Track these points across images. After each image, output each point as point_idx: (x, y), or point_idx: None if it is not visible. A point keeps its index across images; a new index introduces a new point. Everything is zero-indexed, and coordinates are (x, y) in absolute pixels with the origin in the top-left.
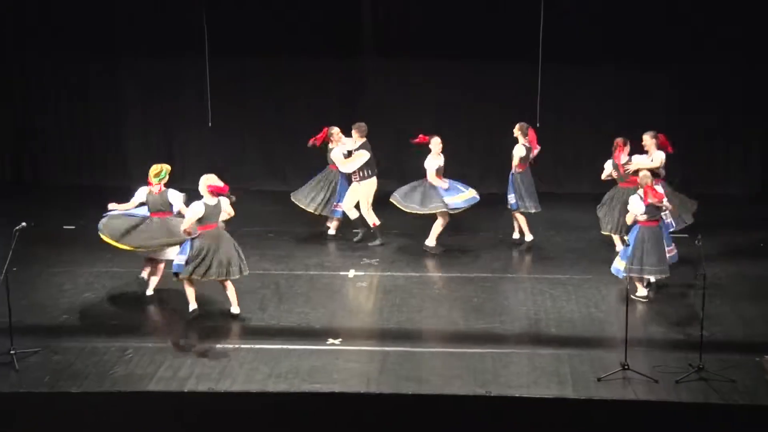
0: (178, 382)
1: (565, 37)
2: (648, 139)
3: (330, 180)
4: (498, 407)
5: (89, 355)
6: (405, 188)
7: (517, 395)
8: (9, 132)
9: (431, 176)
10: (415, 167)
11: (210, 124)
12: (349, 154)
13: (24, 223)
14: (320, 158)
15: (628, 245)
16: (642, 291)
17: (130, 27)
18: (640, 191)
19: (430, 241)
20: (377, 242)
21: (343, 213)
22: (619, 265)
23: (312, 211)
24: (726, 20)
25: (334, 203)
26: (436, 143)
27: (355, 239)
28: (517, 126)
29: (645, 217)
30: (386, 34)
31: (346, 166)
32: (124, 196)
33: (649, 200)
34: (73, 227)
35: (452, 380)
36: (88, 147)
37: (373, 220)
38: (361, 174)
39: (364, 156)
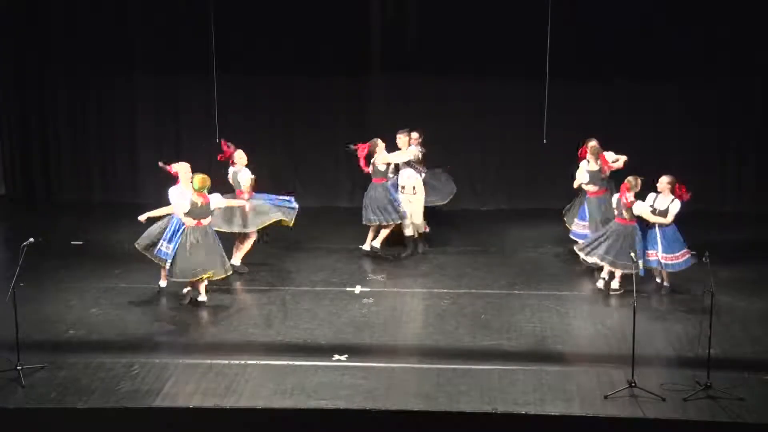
0: (184, 398)
1: (572, 53)
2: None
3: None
4: (504, 424)
5: (96, 370)
6: None
7: (523, 412)
8: (19, 148)
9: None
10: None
11: (218, 140)
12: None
13: (32, 239)
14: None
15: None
16: (615, 284)
17: (140, 45)
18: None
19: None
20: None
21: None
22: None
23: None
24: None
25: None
26: None
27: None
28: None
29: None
30: (393, 51)
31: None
32: (134, 212)
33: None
34: (81, 243)
35: (459, 397)
36: (98, 163)
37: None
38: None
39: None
